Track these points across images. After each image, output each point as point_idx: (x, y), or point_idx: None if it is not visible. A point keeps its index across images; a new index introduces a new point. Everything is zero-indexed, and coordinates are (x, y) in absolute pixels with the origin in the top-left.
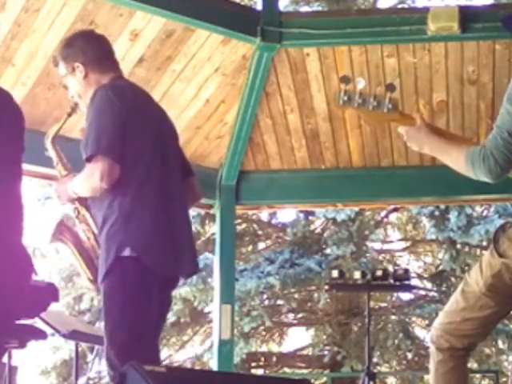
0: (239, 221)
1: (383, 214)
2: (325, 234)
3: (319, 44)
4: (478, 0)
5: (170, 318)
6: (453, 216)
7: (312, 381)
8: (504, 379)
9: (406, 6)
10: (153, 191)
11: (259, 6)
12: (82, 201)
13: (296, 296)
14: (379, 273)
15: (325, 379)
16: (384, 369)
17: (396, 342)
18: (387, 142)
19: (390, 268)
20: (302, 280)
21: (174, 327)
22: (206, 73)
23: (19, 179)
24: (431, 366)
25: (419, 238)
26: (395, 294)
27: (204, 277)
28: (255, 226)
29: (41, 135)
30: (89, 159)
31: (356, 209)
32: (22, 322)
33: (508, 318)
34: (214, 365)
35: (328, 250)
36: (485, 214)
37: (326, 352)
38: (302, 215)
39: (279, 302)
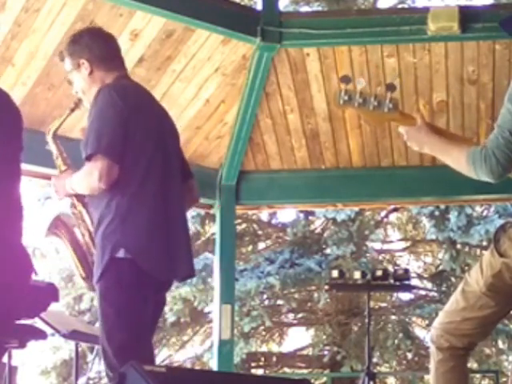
0: (239, 221)
1: (383, 214)
2: (325, 234)
3: (319, 44)
4: (478, 0)
5: (170, 317)
6: (453, 216)
7: (312, 381)
8: (504, 379)
9: (406, 5)
10: (152, 191)
11: (259, 6)
12: (80, 197)
13: (296, 296)
14: (379, 273)
15: (325, 379)
16: (384, 369)
17: (396, 342)
18: (387, 142)
19: (390, 268)
20: (302, 280)
21: (174, 327)
22: (206, 73)
23: (18, 179)
24: (431, 365)
25: (419, 238)
26: (395, 294)
27: (204, 277)
28: (255, 225)
29: (41, 135)
30: (88, 158)
31: (356, 209)
32: (22, 321)
33: (508, 318)
34: (214, 365)
35: (328, 250)
36: (485, 214)
37: (325, 352)
38: (302, 215)
39: (279, 302)
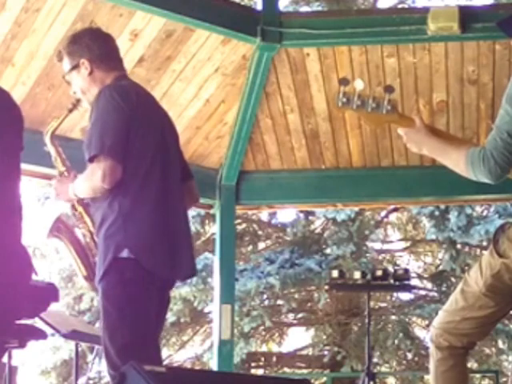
0: (239, 221)
1: (383, 213)
2: (325, 234)
3: (319, 44)
4: (478, 0)
5: (170, 317)
6: (453, 216)
7: (312, 381)
8: (504, 379)
9: (406, 5)
10: (154, 191)
11: (259, 6)
12: (80, 199)
13: (296, 296)
14: (379, 273)
15: (325, 379)
16: (384, 369)
17: (396, 342)
18: (387, 142)
19: (390, 268)
20: (302, 280)
21: (174, 327)
22: (206, 73)
23: (18, 179)
24: (431, 364)
25: (419, 238)
26: (395, 294)
27: (204, 277)
28: (255, 226)
29: (41, 135)
30: (91, 159)
31: (356, 209)
32: (22, 322)
33: (508, 318)
34: (214, 365)
35: (328, 250)
36: (485, 214)
37: (325, 352)
38: (302, 215)
39: (279, 301)
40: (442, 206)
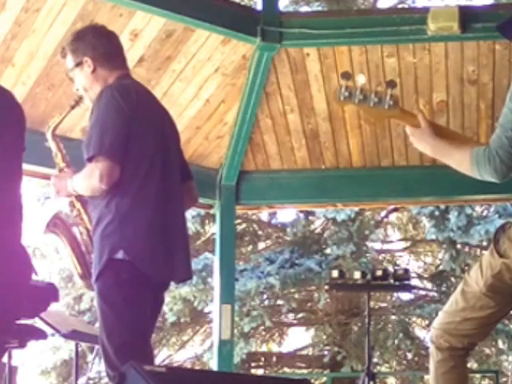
0: (239, 221)
1: (383, 213)
2: (325, 234)
3: (319, 44)
4: (478, 0)
5: (170, 318)
6: (453, 216)
7: (312, 381)
8: (504, 379)
9: (406, 5)
10: (152, 192)
11: (259, 6)
12: (79, 195)
13: (296, 296)
14: (379, 273)
15: (325, 379)
16: (384, 369)
17: (396, 342)
18: (387, 142)
19: (390, 268)
20: (302, 280)
21: (174, 327)
22: (206, 73)
23: (19, 179)
24: (431, 365)
25: (419, 238)
26: (395, 294)
27: (204, 277)
28: (255, 226)
29: (41, 135)
30: (90, 159)
31: (356, 209)
32: (22, 322)
33: (508, 318)
34: (214, 365)
35: (328, 250)
36: (485, 214)
37: (325, 352)
38: (302, 215)
39: (279, 301)
40: (442, 206)
